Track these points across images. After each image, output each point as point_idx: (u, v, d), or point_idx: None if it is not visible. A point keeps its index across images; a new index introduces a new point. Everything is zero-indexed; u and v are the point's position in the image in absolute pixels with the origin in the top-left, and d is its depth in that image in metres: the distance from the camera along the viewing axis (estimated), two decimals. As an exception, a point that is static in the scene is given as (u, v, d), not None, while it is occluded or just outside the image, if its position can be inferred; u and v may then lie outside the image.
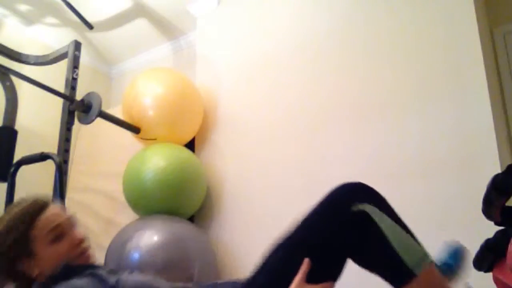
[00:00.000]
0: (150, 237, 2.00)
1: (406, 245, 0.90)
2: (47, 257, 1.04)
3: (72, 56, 2.22)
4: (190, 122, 2.48)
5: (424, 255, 0.91)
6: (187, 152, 2.37)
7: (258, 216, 2.24)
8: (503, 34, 2.36)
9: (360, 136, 2.05)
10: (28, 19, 2.93)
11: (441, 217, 1.76)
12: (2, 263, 1.04)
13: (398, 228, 0.93)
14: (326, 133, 2.15)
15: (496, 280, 1.04)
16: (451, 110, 1.85)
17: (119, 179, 2.33)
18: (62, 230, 1.07)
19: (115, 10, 2.89)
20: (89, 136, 2.99)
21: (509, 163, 0.98)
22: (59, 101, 2.17)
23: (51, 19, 2.96)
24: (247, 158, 2.39)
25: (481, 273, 1.09)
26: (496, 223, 1.06)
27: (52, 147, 2.08)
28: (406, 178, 1.88)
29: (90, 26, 2.74)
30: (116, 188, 2.44)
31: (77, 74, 2.18)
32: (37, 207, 1.07)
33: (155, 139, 2.37)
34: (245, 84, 2.53)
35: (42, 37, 3.05)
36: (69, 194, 2.65)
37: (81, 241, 1.10)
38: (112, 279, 1.01)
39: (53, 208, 1.10)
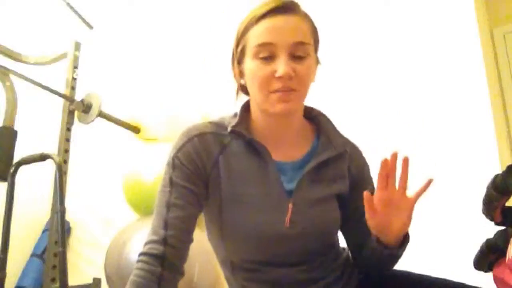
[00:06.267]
0: (150, 237, 1.99)
1: None
2: (246, 71, 0.88)
3: (72, 56, 2.22)
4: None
5: None
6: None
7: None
8: (503, 34, 2.37)
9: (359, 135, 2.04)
10: (28, 19, 2.93)
11: (441, 217, 1.76)
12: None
13: None
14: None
15: (496, 280, 1.04)
16: (451, 110, 1.85)
17: (119, 179, 2.33)
18: (269, 52, 0.84)
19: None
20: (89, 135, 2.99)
21: (509, 163, 0.98)
22: (59, 101, 2.17)
23: (51, 19, 2.95)
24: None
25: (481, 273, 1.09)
26: (496, 223, 1.06)
27: (52, 147, 2.08)
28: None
29: (90, 26, 2.74)
30: (116, 188, 2.44)
31: (77, 74, 2.18)
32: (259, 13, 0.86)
33: (155, 139, 2.37)
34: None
35: (42, 37, 3.04)
36: (69, 194, 2.65)
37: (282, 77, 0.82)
38: None
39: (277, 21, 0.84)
